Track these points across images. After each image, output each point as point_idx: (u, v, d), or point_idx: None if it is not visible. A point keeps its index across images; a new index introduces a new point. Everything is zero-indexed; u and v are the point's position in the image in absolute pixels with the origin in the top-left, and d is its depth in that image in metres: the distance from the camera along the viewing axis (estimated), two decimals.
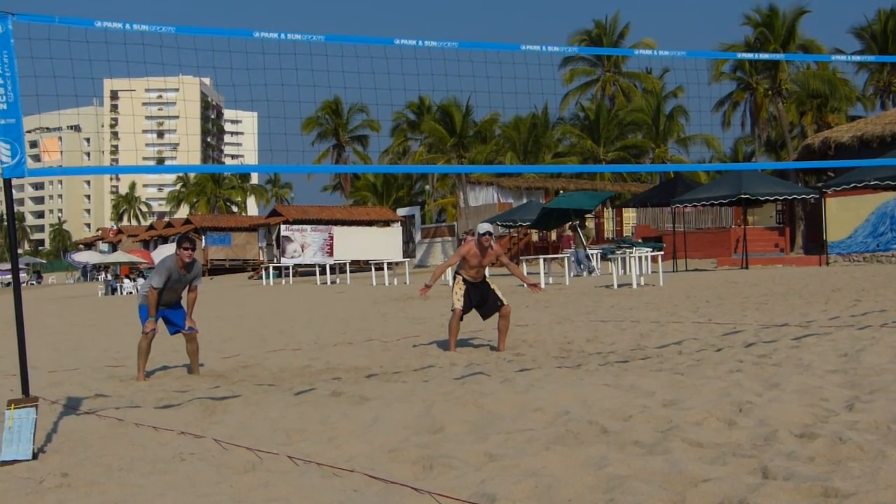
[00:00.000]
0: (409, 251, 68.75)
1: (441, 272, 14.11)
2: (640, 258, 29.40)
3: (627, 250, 29.75)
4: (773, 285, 24.41)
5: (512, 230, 54.24)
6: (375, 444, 7.01)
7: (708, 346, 12.46)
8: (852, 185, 34.80)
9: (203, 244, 75.33)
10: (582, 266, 35.58)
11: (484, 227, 13.82)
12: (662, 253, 30.72)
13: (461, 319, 13.97)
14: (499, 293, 13.89)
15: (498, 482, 5.53)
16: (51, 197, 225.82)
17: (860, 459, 5.67)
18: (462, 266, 13.97)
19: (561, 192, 65.82)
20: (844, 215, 39.23)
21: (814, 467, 5.51)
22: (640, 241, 37.75)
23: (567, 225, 39.27)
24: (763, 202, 38.64)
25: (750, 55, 18.87)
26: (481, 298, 13.97)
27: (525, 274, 14.64)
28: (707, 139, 78.83)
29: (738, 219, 51.83)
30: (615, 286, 26.88)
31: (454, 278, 14.29)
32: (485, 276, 14.14)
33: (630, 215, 56.80)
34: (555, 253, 44.86)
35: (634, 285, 26.73)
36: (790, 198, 37.32)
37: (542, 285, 14.49)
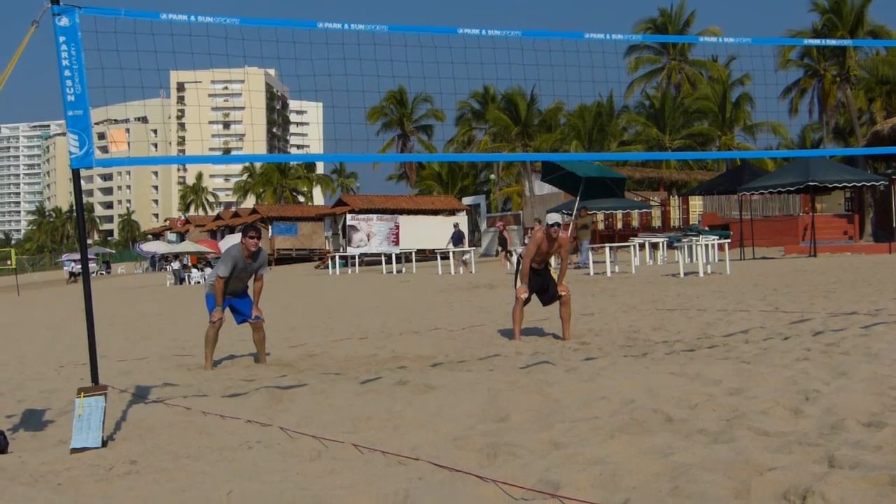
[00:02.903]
0: (474, 240, 68.78)
1: (527, 269, 13.99)
2: (706, 246, 29.17)
3: (694, 238, 29.56)
4: (841, 273, 24.14)
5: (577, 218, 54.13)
6: (440, 433, 7.03)
7: (775, 334, 12.35)
8: None
9: (270, 234, 75.80)
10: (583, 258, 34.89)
11: (553, 217, 13.73)
12: (729, 241, 30.48)
13: (526, 303, 13.92)
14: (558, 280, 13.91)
15: (562, 470, 5.53)
16: (119, 188, 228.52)
17: None
18: (527, 252, 13.93)
19: (626, 178, 65.60)
20: None
21: (881, 456, 5.45)
22: (706, 229, 37.42)
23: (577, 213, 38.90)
24: (831, 189, 38.18)
25: (817, 41, 18.71)
26: (542, 285, 13.99)
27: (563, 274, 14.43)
28: (774, 126, 78.04)
29: (805, 206, 51.26)
30: (681, 275, 26.71)
31: (518, 265, 14.29)
32: (548, 264, 14.13)
33: (696, 203, 56.38)
34: (621, 241, 44.66)
35: (701, 274, 26.55)
36: (859, 185, 36.81)
37: (568, 288, 14.23)
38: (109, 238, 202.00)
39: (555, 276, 14.03)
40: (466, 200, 76.08)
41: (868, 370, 8.42)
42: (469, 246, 57.03)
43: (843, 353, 9.85)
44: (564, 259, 14.27)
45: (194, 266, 61.76)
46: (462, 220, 65.36)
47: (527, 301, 13.90)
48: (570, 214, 46.33)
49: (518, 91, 79.87)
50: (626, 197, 52.39)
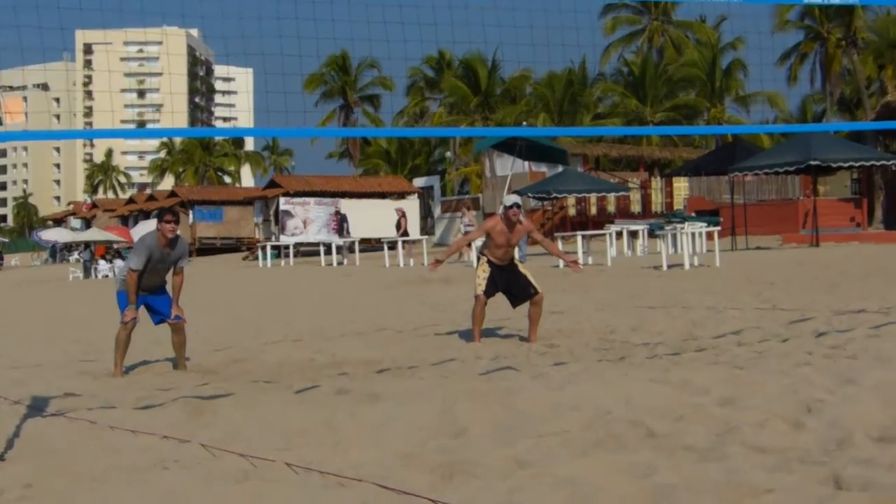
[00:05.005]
0: (427, 227, 68.75)
1: (458, 247, 14.12)
2: (692, 235, 29.29)
3: (678, 226, 29.67)
4: (847, 265, 24.33)
5: (546, 203, 54.19)
6: (387, 450, 7.01)
7: (772, 335, 12.42)
8: None
9: (191, 220, 75.47)
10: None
11: (511, 198, 13.80)
12: (719, 228, 30.63)
13: (485, 305, 13.94)
14: (531, 279, 13.86)
15: (528, 493, 5.53)
16: (14, 166, 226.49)
17: None
18: (487, 245, 13.96)
19: (601, 157, 65.80)
20: None
21: (895, 475, 5.48)
22: (692, 215, 37.61)
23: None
24: (836, 170, 38.48)
25: None
26: (509, 283, 13.95)
27: (562, 251, 14.60)
28: (770, 97, 78.38)
29: (806, 189, 51.59)
30: (664, 267, 26.83)
31: (478, 259, 14.31)
32: (513, 258, 14.13)
33: (681, 185, 56.62)
34: (595, 228, 44.81)
35: (687, 266, 26.70)
36: (867, 164, 37.13)
37: (582, 265, 14.46)
38: (2, 224, 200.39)
39: (525, 272, 13.99)
40: (418, 182, 76.04)
41: (878, 377, 8.46)
42: (421, 234, 57.10)
43: (849, 357, 9.90)
44: (544, 241, 14.39)
45: (102, 257, 61.32)
46: (412, 204, 65.34)
47: (487, 301, 13.94)
48: (537, 198, 46.51)
49: (478, 56, 79.82)
50: (600, 177, 52.64)
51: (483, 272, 13.89)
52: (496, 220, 13.86)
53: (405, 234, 44.27)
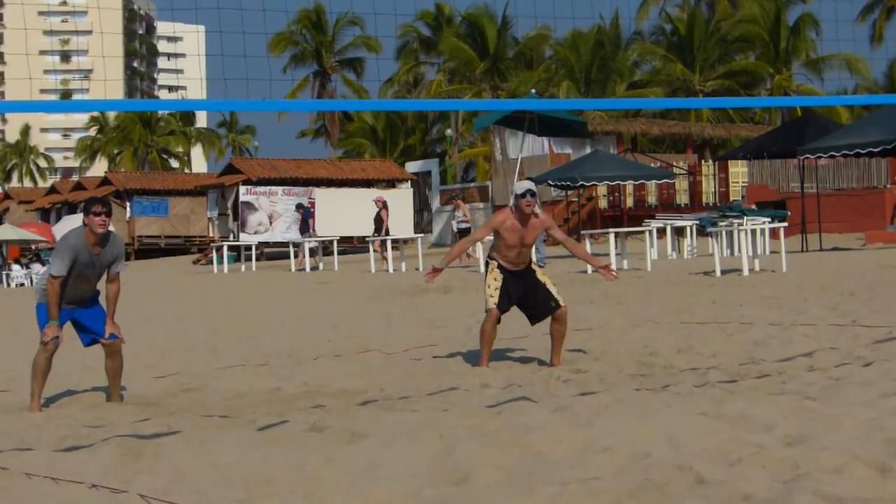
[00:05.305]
0: (422, 223, 68.76)
1: (462, 250, 14.08)
2: (753, 232, 29.29)
3: (735, 221, 29.67)
4: None
5: (570, 193, 54.12)
6: (372, 501, 7.01)
7: (852, 358, 12.44)
8: None
9: (128, 214, 75.44)
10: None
11: (523, 185, 13.75)
12: (786, 224, 30.63)
13: (498, 322, 13.90)
14: (552, 289, 13.82)
15: None
16: None
17: None
18: (497, 246, 13.92)
19: (638, 136, 65.77)
20: None
21: None
22: (753, 207, 37.60)
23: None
24: None
25: None
26: (526, 294, 13.90)
27: (590, 254, 14.60)
28: (849, 61, 78.48)
29: (895, 175, 51.65)
30: (717, 273, 26.83)
31: (487, 265, 14.22)
32: (531, 262, 14.09)
33: (739, 171, 56.67)
34: (632, 224, 44.83)
35: (745, 271, 26.67)
36: None
37: (616, 270, 14.46)
38: None
39: (545, 280, 13.94)
40: (412, 167, 76.03)
41: None
42: (415, 231, 57.09)
43: None
44: (568, 241, 14.43)
45: (16, 261, 61.31)
46: (405, 194, 65.33)
47: (500, 316, 13.88)
48: (560, 186, 46.48)
49: (485, 11, 80.00)
50: (637, 160, 52.52)
51: (494, 280, 13.81)
52: (506, 213, 13.78)
53: (387, 231, 43.84)
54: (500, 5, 78.24)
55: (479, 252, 31.14)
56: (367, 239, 46.15)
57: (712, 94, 74.97)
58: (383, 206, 45.38)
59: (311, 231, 47.72)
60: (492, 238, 14.09)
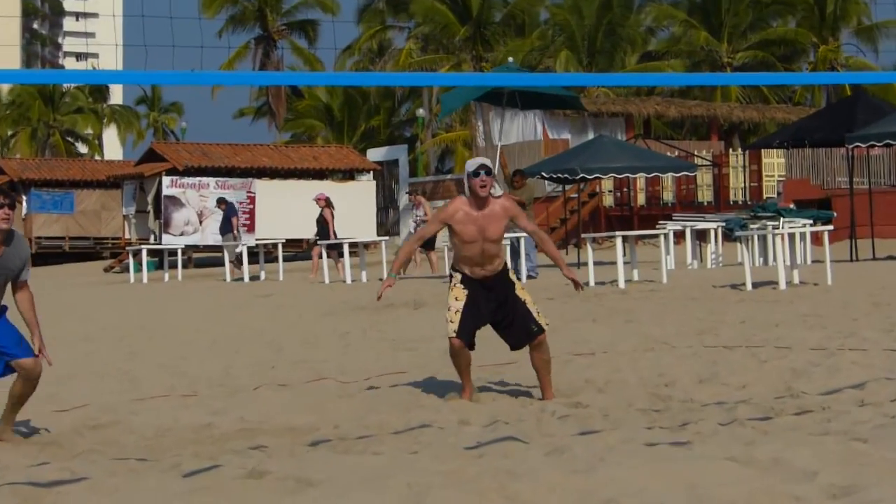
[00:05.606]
0: (387, 224, 68.69)
1: (408, 254, 14.06)
2: (791, 237, 29.51)
3: (769, 223, 29.81)
4: None
5: (569, 188, 54.03)
6: None
7: None
8: None
9: (24, 210, 75.18)
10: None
11: (475, 161, 13.50)
12: (832, 228, 30.75)
13: (471, 347, 13.72)
14: (532, 308, 13.65)
15: None
16: None
17: None
18: (456, 250, 13.82)
19: (653, 119, 65.89)
20: None
21: None
22: (791, 206, 37.82)
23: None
24: None
25: None
26: (498, 309, 13.73)
27: (565, 259, 14.66)
28: None
29: None
30: (748, 286, 26.93)
31: (450, 278, 14.11)
32: (506, 269, 13.94)
33: (774, 162, 56.83)
34: (644, 226, 44.97)
35: (782, 284, 26.72)
36: None
37: (584, 284, 14.33)
38: None
39: (524, 297, 13.74)
40: (375, 154, 75.72)
41: None
42: (378, 234, 57.12)
43: None
44: (538, 234, 14.40)
45: None
46: (365, 188, 65.29)
47: (467, 344, 13.63)
48: (555, 179, 46.52)
49: None
50: (651, 148, 52.54)
51: (455, 301, 13.63)
52: (458, 202, 13.51)
53: (334, 236, 43.57)
54: None
55: (446, 258, 31.21)
56: (309, 242, 46.00)
57: (742, 68, 75.01)
58: (326, 204, 44.80)
59: (234, 232, 47.39)
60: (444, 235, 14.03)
